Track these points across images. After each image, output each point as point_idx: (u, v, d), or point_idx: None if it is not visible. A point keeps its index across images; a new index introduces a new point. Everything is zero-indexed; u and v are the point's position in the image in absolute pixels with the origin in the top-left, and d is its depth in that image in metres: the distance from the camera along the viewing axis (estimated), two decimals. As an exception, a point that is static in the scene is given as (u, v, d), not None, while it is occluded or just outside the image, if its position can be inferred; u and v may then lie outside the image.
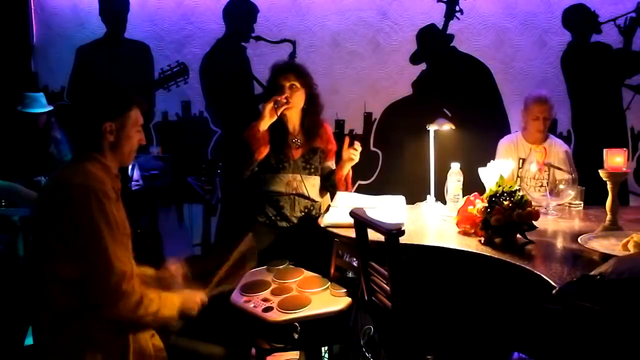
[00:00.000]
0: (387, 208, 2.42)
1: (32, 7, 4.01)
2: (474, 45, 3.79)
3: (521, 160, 3.15)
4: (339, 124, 3.89)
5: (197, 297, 1.82)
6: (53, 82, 4.04)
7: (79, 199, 1.55)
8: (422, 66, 3.85)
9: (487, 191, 2.06)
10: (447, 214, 2.42)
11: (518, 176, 3.07)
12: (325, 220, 2.27)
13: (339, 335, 2.12)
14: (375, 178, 3.90)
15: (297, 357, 2.66)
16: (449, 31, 3.80)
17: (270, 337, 2.01)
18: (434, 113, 3.36)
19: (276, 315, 1.98)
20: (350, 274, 2.29)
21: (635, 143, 3.76)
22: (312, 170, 2.69)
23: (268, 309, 2.01)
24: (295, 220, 2.66)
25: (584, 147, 3.69)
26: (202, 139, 4.00)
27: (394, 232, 1.61)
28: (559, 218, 2.42)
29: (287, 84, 2.61)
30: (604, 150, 2.05)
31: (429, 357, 1.77)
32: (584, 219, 2.43)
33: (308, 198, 2.66)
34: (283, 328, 1.98)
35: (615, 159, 2.02)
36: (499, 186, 2.02)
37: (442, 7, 3.79)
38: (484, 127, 3.71)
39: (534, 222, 1.97)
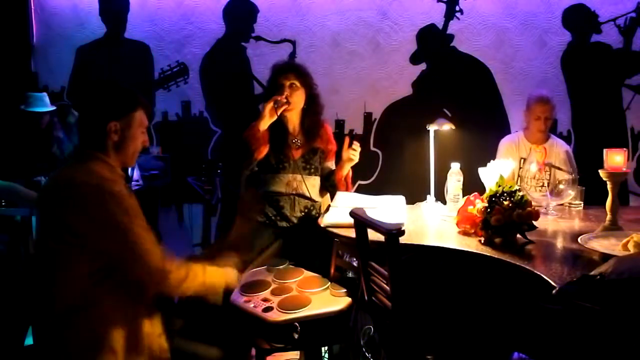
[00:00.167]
0: (387, 208, 2.42)
1: (32, 7, 4.01)
2: (474, 45, 3.79)
3: (522, 160, 3.15)
4: (339, 124, 3.89)
5: (236, 276, 1.88)
6: (53, 82, 4.04)
7: (95, 198, 1.57)
8: (422, 66, 3.85)
9: (487, 191, 2.06)
10: (447, 214, 2.42)
11: (519, 175, 3.08)
12: (325, 220, 2.27)
13: (339, 335, 2.12)
14: (375, 178, 3.90)
15: (298, 357, 2.66)
16: (449, 31, 3.80)
17: (270, 337, 2.01)
18: (434, 113, 3.36)
19: (276, 315, 1.98)
20: (350, 274, 2.29)
21: (635, 143, 3.76)
22: (312, 170, 2.69)
23: (268, 309, 2.01)
24: (295, 220, 2.66)
25: (584, 147, 3.69)
26: (202, 139, 4.00)
27: (394, 232, 1.61)
28: (559, 218, 2.42)
29: (287, 83, 2.61)
30: (604, 150, 2.05)
31: (429, 357, 1.77)
32: (584, 219, 2.43)
33: (308, 198, 2.66)
34: (283, 328, 1.98)
35: (615, 159, 2.02)
36: (499, 186, 2.02)
37: (442, 7, 3.79)
38: (484, 127, 3.71)
39: (534, 222, 1.97)
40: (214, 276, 1.75)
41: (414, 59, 3.84)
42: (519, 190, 2.01)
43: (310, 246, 2.56)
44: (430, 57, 3.83)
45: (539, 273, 1.60)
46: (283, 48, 3.89)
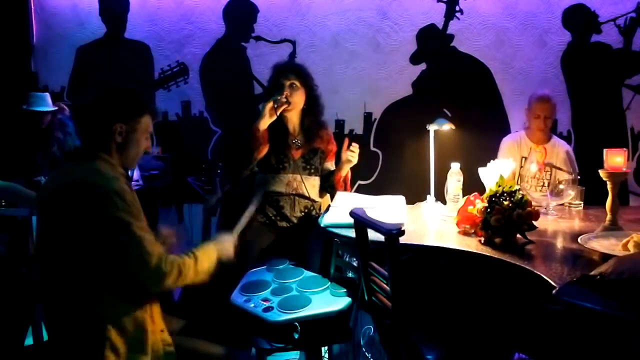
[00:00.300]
0: (387, 208, 2.42)
1: (32, 7, 4.01)
2: (474, 45, 3.79)
3: (523, 159, 3.16)
4: (339, 124, 3.89)
5: (229, 243, 1.94)
6: (53, 82, 4.04)
7: (99, 198, 1.58)
8: (422, 66, 3.85)
9: (487, 191, 2.06)
10: (447, 214, 2.42)
11: (520, 174, 3.08)
12: (325, 220, 2.27)
13: (339, 335, 2.12)
14: (375, 178, 3.90)
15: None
16: (449, 31, 3.80)
17: (270, 337, 2.01)
18: (434, 113, 3.36)
19: (276, 315, 1.98)
20: (350, 274, 2.29)
21: (635, 143, 3.76)
22: (312, 170, 2.69)
23: (268, 309, 2.01)
24: (295, 220, 2.66)
25: (584, 147, 3.69)
26: (202, 139, 4.00)
27: (394, 232, 1.61)
28: (559, 218, 2.42)
29: (288, 83, 2.61)
30: (604, 150, 2.05)
31: (429, 357, 1.77)
32: (584, 219, 2.43)
33: (308, 198, 2.66)
34: (283, 328, 1.98)
35: (615, 159, 2.02)
36: (499, 186, 2.02)
37: (442, 7, 3.79)
38: (484, 127, 3.71)
39: (534, 222, 1.97)
40: (206, 260, 1.78)
41: (414, 59, 3.84)
42: (519, 190, 2.01)
43: (310, 246, 2.56)
44: (430, 57, 3.83)
45: (539, 273, 1.60)
46: (283, 48, 3.89)
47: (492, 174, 2.44)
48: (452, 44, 3.80)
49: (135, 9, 3.97)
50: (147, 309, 1.70)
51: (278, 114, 2.55)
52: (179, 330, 1.87)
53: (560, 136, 3.64)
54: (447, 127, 2.99)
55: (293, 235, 2.64)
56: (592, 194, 2.61)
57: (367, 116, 3.90)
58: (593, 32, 3.71)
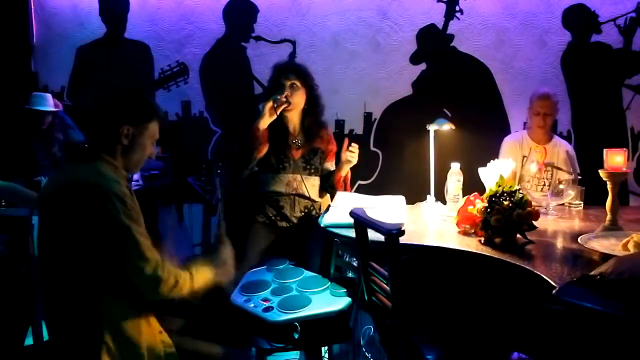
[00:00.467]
0: (387, 208, 2.42)
1: (32, 7, 4.01)
2: (474, 45, 3.79)
3: (524, 159, 3.16)
4: (339, 124, 3.89)
5: (226, 254, 1.92)
6: (53, 82, 4.04)
7: (100, 200, 1.57)
8: (422, 66, 3.84)
9: (487, 191, 2.06)
10: (447, 214, 2.42)
11: (521, 174, 3.08)
12: (325, 220, 2.27)
13: (339, 335, 2.12)
14: (375, 178, 3.90)
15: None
16: (449, 31, 3.79)
17: (270, 337, 2.01)
18: (434, 113, 3.36)
19: (276, 315, 1.98)
20: (350, 274, 2.29)
21: (635, 143, 3.76)
22: (312, 170, 2.69)
23: (268, 309, 2.01)
24: (295, 220, 2.66)
25: (584, 147, 3.69)
26: (202, 139, 4.00)
27: (394, 232, 1.61)
28: (559, 218, 2.42)
29: (288, 83, 2.61)
30: (604, 150, 2.05)
31: (429, 357, 1.77)
32: (584, 219, 2.43)
33: (308, 198, 2.67)
34: (283, 328, 1.98)
35: (615, 159, 2.02)
36: (499, 186, 2.02)
37: (442, 7, 3.79)
38: (484, 127, 3.71)
39: (534, 222, 1.97)
40: (202, 280, 1.76)
41: (414, 59, 3.84)
42: (519, 190, 2.01)
43: (310, 246, 2.56)
44: (430, 57, 3.83)
45: (539, 273, 1.60)
46: (283, 48, 3.89)
47: (492, 174, 2.44)
48: (452, 44, 3.80)
49: (135, 9, 3.97)
50: (143, 312, 1.69)
51: (278, 114, 2.55)
52: (178, 330, 1.87)
53: (561, 136, 3.64)
54: (447, 127, 2.99)
55: (293, 235, 2.64)
56: (592, 194, 2.61)
57: (367, 116, 3.90)
58: (593, 32, 3.71)
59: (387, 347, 1.92)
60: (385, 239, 1.62)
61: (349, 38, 3.85)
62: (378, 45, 3.84)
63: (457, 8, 3.77)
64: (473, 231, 2.07)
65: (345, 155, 2.61)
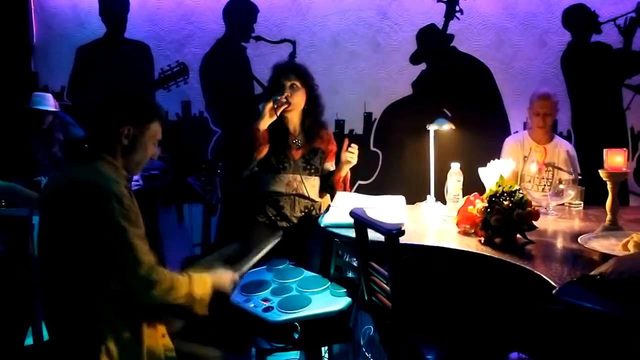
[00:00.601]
0: (387, 208, 2.42)
1: (32, 7, 4.01)
2: (474, 45, 3.79)
3: (525, 158, 3.16)
4: (339, 124, 3.89)
5: (229, 276, 1.84)
6: (53, 82, 4.04)
7: (99, 200, 1.57)
8: (422, 66, 3.84)
9: (487, 191, 2.06)
10: (447, 214, 2.42)
11: (521, 174, 3.08)
12: (325, 220, 2.27)
13: (339, 335, 2.12)
14: (375, 178, 3.90)
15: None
16: (449, 31, 3.79)
17: (270, 337, 2.01)
18: (434, 113, 3.36)
19: (276, 315, 1.98)
20: (350, 274, 2.29)
21: (635, 143, 3.76)
22: (313, 170, 2.69)
23: (268, 309, 2.01)
24: (295, 220, 2.66)
25: (584, 147, 3.69)
26: (202, 139, 4.00)
27: (394, 232, 1.61)
28: (559, 218, 2.42)
29: (288, 84, 2.61)
30: (604, 150, 2.05)
31: (429, 357, 1.77)
32: (584, 219, 2.43)
33: (308, 198, 2.67)
34: (283, 328, 1.98)
35: (615, 159, 2.02)
36: (499, 186, 2.02)
37: (442, 7, 3.79)
38: (484, 127, 3.71)
39: (534, 222, 1.97)
40: (201, 286, 1.72)
41: (414, 59, 3.84)
42: (519, 190, 2.01)
43: (310, 246, 2.56)
44: (430, 57, 3.83)
45: (539, 273, 1.60)
46: (283, 48, 3.89)
47: (492, 174, 2.44)
48: (452, 44, 3.80)
49: (135, 9, 3.97)
50: (145, 314, 1.69)
51: (278, 114, 2.55)
52: (178, 331, 1.87)
53: (561, 136, 3.64)
54: (447, 127, 2.99)
55: (293, 235, 2.64)
56: (592, 194, 2.60)
57: (367, 116, 3.90)
58: (593, 32, 3.71)
59: (387, 347, 1.92)
60: (385, 239, 1.62)
61: (349, 38, 3.85)
62: (378, 45, 3.84)
63: (457, 8, 3.77)
64: (473, 231, 2.07)
65: (345, 155, 2.61)
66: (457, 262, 2.01)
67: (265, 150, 2.61)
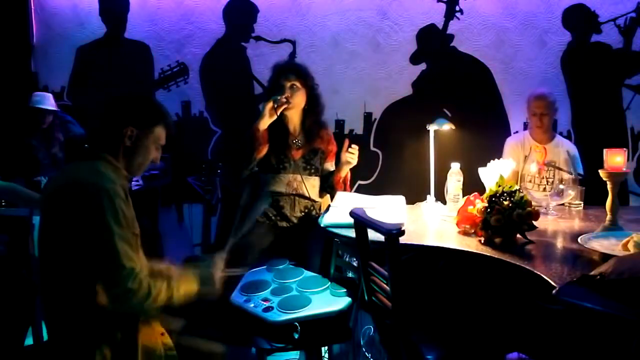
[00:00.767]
0: (387, 208, 2.42)
1: (32, 7, 4.01)
2: (474, 45, 3.79)
3: (526, 158, 3.17)
4: (339, 124, 3.89)
5: (215, 274, 1.81)
6: (53, 82, 4.04)
7: (91, 198, 1.56)
8: (422, 66, 3.84)
9: (487, 191, 2.06)
10: (447, 214, 2.42)
11: (522, 173, 3.09)
12: (325, 220, 2.27)
13: (339, 335, 2.12)
14: (375, 178, 3.90)
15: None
16: (449, 31, 3.79)
17: (270, 337, 2.01)
18: (434, 113, 3.36)
19: (276, 315, 1.98)
20: (350, 274, 2.29)
21: (635, 143, 3.76)
22: (313, 170, 2.69)
23: (268, 309, 2.01)
24: (295, 220, 2.66)
25: (584, 147, 3.69)
26: (202, 139, 4.00)
27: (394, 232, 1.61)
28: (559, 218, 2.42)
29: (288, 84, 2.61)
30: (604, 150, 2.05)
31: (429, 357, 1.77)
32: (584, 219, 2.43)
33: (308, 198, 2.67)
34: (283, 328, 1.98)
35: (615, 159, 2.02)
36: (499, 186, 2.02)
37: (442, 7, 3.79)
38: (484, 127, 3.71)
39: (534, 222, 1.97)
40: (183, 290, 1.68)
41: (414, 59, 3.84)
42: (519, 190, 2.01)
43: (310, 246, 2.56)
44: (430, 57, 3.83)
45: (539, 273, 1.60)
46: (283, 48, 3.89)
47: (492, 174, 2.44)
48: (452, 44, 3.80)
49: (135, 9, 3.97)
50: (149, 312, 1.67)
51: (278, 114, 2.55)
52: (179, 330, 1.86)
53: (561, 136, 3.64)
54: (447, 127, 2.99)
55: (293, 235, 2.64)
56: (592, 194, 2.60)
57: (367, 116, 3.90)
58: (593, 32, 3.71)
59: (387, 347, 1.92)
60: (385, 239, 1.62)
61: (349, 38, 3.85)
62: (378, 45, 3.84)
63: (457, 8, 3.77)
64: (473, 231, 2.07)
65: (345, 156, 2.61)
66: (457, 262, 2.01)
67: (265, 151, 2.61)
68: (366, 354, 2.41)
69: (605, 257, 1.65)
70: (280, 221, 2.65)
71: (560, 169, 2.84)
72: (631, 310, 1.29)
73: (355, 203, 2.34)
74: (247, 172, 2.63)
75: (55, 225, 1.61)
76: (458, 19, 3.78)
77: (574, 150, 3.27)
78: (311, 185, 2.68)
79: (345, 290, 2.12)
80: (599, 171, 2.04)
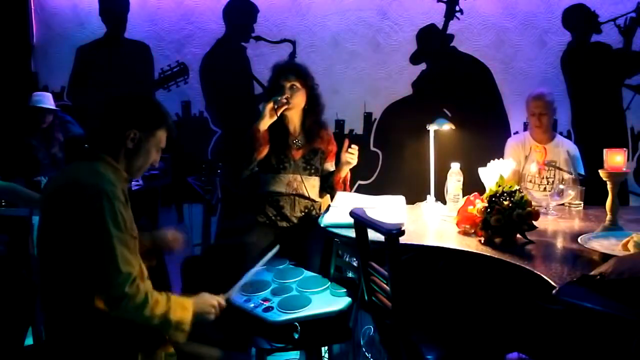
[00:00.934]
0: (387, 208, 2.42)
1: (32, 7, 4.01)
2: (474, 45, 3.79)
3: (527, 158, 3.17)
4: (339, 124, 3.89)
5: (213, 300, 1.77)
6: (53, 82, 4.04)
7: (90, 199, 1.55)
8: (422, 66, 3.84)
9: (487, 191, 2.06)
10: (447, 214, 2.42)
11: (522, 173, 3.09)
12: (325, 220, 2.27)
13: (339, 335, 2.12)
14: (375, 178, 3.90)
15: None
16: (449, 31, 3.79)
17: (270, 337, 2.01)
18: (434, 113, 3.36)
19: (276, 315, 1.98)
20: (350, 274, 2.29)
21: (635, 143, 3.76)
22: (313, 171, 2.69)
23: (268, 309, 2.01)
24: (295, 220, 2.66)
25: (584, 147, 3.69)
26: (202, 139, 4.00)
27: (394, 232, 1.61)
28: (559, 218, 2.42)
29: (288, 85, 2.61)
30: (604, 150, 2.05)
31: (429, 357, 1.77)
32: (584, 219, 2.43)
33: (308, 198, 2.67)
34: (283, 328, 1.98)
35: (615, 159, 2.02)
36: (499, 186, 2.02)
37: (442, 7, 3.79)
38: (484, 127, 3.71)
39: (534, 222, 1.97)
40: (179, 310, 1.64)
41: (414, 59, 3.84)
42: (519, 190, 2.01)
43: (311, 246, 2.56)
44: (430, 57, 3.83)
45: (539, 273, 1.60)
46: (283, 48, 3.89)
47: (492, 174, 2.44)
48: (452, 44, 3.80)
49: (135, 9, 3.97)
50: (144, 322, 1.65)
51: (278, 115, 2.55)
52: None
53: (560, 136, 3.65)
54: (447, 127, 2.99)
55: (293, 235, 2.64)
56: (592, 194, 2.60)
57: (367, 116, 3.90)
58: (593, 32, 3.71)
59: (387, 347, 1.92)
60: (385, 239, 1.62)
61: (349, 38, 3.85)
62: (378, 45, 3.84)
63: (457, 8, 3.77)
64: (473, 231, 2.07)
65: (345, 156, 2.60)
66: (457, 262, 2.01)
67: (265, 151, 2.61)
68: (366, 354, 2.41)
69: (605, 257, 1.65)
70: (280, 221, 2.65)
71: (560, 169, 2.84)
72: (631, 310, 1.29)
73: (355, 203, 2.34)
74: (247, 172, 2.63)
75: (54, 226, 1.61)
76: (458, 19, 3.78)
77: (574, 150, 3.27)
78: (311, 186, 2.68)
79: (345, 290, 2.12)
80: (599, 171, 2.04)
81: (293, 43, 3.88)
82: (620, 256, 1.57)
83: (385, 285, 1.75)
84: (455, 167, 2.50)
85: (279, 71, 2.67)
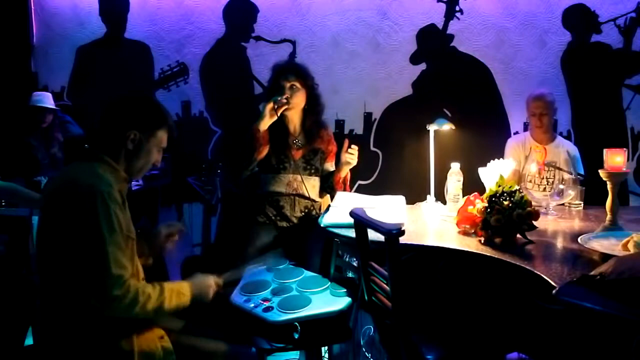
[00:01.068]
0: (387, 208, 2.42)
1: (32, 7, 4.01)
2: (474, 45, 3.79)
3: (527, 159, 3.18)
4: (339, 124, 3.89)
5: (210, 280, 1.81)
6: (53, 82, 4.04)
7: (84, 200, 1.54)
8: (422, 66, 3.84)
9: (487, 191, 2.06)
10: (447, 214, 2.42)
11: (522, 173, 3.09)
12: (325, 220, 2.27)
13: (339, 335, 2.12)
14: (375, 178, 3.90)
15: None
16: (449, 31, 3.79)
17: (270, 337, 2.01)
18: (434, 113, 3.36)
19: (276, 315, 1.98)
20: (350, 274, 2.29)
21: (635, 143, 3.76)
22: (313, 171, 2.69)
23: (268, 309, 2.01)
24: (295, 220, 2.66)
25: (584, 147, 3.69)
26: (202, 139, 4.00)
27: (394, 232, 1.60)
28: (559, 218, 2.42)
29: (288, 85, 2.61)
30: (604, 150, 2.05)
31: (429, 357, 1.77)
32: (584, 219, 2.43)
33: (308, 198, 2.67)
34: (283, 328, 1.98)
35: (615, 159, 2.02)
36: (499, 186, 2.02)
37: (442, 7, 3.79)
38: (484, 127, 3.72)
39: (534, 222, 1.97)
40: (175, 297, 1.66)
41: (414, 59, 3.84)
42: (519, 190, 2.01)
43: (311, 246, 2.56)
44: (430, 57, 3.83)
45: (539, 273, 1.60)
46: (283, 48, 3.89)
47: (492, 174, 2.44)
48: (452, 44, 3.80)
49: (135, 9, 3.97)
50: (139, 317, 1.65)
51: (278, 115, 2.55)
52: (178, 330, 1.86)
53: (561, 136, 3.64)
54: (447, 127, 2.99)
55: (293, 235, 2.64)
56: (592, 194, 2.60)
57: (367, 116, 3.90)
58: (593, 32, 3.71)
59: (387, 347, 1.92)
60: (385, 239, 1.62)
61: (349, 38, 3.85)
62: (378, 45, 3.84)
63: (457, 8, 3.77)
64: (473, 231, 2.07)
65: (345, 156, 2.60)
66: (457, 262, 2.01)
67: (265, 151, 2.61)
68: (366, 354, 2.41)
69: (605, 257, 1.65)
70: (280, 221, 2.65)
71: (560, 169, 2.84)
72: (631, 310, 1.29)
73: (355, 203, 2.34)
74: (248, 172, 2.63)
75: (51, 226, 1.61)
76: (458, 19, 3.78)
77: (574, 150, 3.28)
78: (311, 186, 2.68)
79: (345, 290, 2.12)
80: (599, 171, 2.04)
81: (293, 43, 3.88)
82: (620, 256, 1.57)
83: (385, 285, 1.75)
84: (455, 167, 2.50)
85: (278, 71, 2.67)
